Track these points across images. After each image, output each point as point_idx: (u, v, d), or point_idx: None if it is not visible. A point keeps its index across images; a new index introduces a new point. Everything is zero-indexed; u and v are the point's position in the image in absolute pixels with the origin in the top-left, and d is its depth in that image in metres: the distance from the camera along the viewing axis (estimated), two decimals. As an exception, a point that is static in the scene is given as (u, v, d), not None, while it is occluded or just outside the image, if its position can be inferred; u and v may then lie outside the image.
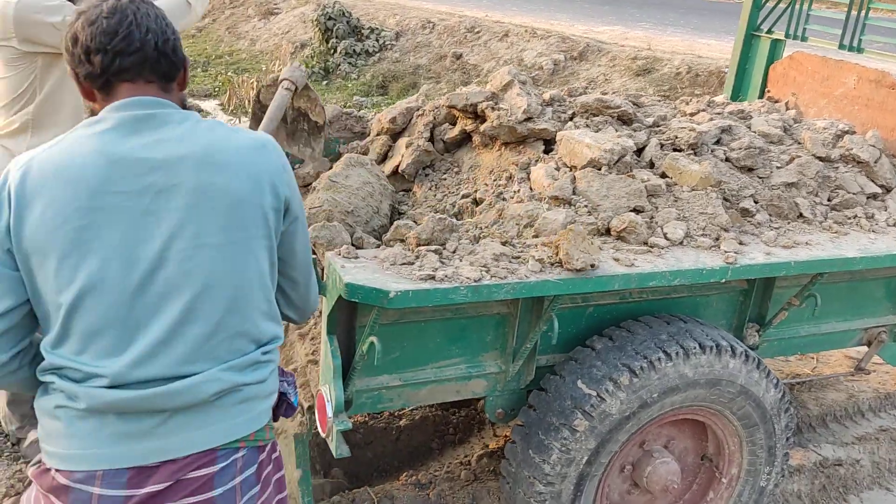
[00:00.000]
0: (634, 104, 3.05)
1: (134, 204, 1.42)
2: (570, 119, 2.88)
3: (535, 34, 11.14)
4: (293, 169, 1.98)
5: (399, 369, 2.24)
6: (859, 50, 3.92)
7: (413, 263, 2.05)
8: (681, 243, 2.36)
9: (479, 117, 2.86)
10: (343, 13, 12.28)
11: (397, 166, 2.96)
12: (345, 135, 3.31)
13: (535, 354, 2.42)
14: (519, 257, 2.14)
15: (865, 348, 3.21)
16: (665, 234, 2.38)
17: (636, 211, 2.44)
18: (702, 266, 2.25)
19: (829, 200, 2.83)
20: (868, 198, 2.90)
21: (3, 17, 2.59)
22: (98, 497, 1.42)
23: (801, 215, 2.70)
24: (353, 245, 2.24)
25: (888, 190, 2.97)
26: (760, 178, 2.76)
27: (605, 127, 2.79)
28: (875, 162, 2.96)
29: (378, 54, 12.13)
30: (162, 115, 1.48)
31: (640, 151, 2.72)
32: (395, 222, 2.32)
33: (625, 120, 2.88)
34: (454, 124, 3.00)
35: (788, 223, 2.65)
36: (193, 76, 11.43)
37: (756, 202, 2.66)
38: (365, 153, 3.16)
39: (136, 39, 1.45)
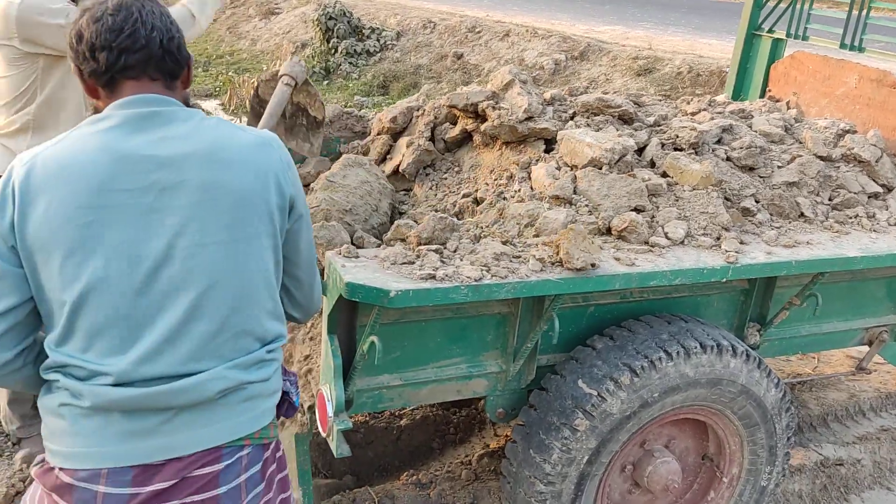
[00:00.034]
0: (635, 103, 3.05)
1: (139, 201, 1.41)
2: (571, 118, 2.88)
3: (537, 34, 11.13)
4: (294, 168, 1.98)
5: (400, 369, 2.24)
6: (860, 49, 3.91)
7: (414, 263, 2.05)
8: (682, 243, 2.36)
9: (479, 117, 2.86)
10: (344, 13, 12.28)
11: (398, 166, 2.96)
12: (345, 134, 3.30)
13: (535, 354, 2.42)
14: (520, 257, 2.14)
15: (866, 348, 3.21)
16: (666, 234, 2.37)
17: (637, 210, 2.43)
18: (703, 265, 2.25)
19: (830, 200, 2.82)
20: (869, 197, 2.90)
21: (5, 16, 2.60)
22: (103, 495, 1.41)
23: (802, 215, 2.70)
24: (353, 244, 2.24)
25: (889, 189, 2.97)
26: (761, 177, 2.75)
27: (606, 126, 2.79)
28: (876, 161, 2.95)
29: (379, 54, 12.13)
30: (167, 112, 1.48)
31: (640, 151, 2.72)
32: (396, 222, 2.32)
33: (626, 119, 2.88)
34: (455, 124, 3.00)
35: (789, 222, 2.65)
36: (194, 76, 11.44)
37: (757, 201, 2.66)
38: (365, 153, 3.15)
39: (141, 37, 1.45)
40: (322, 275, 2.06)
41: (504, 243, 2.22)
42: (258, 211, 1.50)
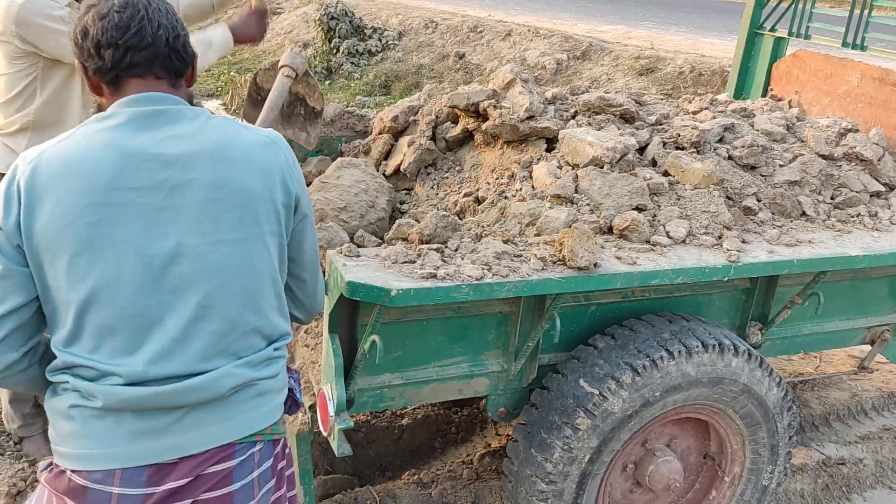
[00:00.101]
0: (637, 102, 3.05)
1: (148, 200, 1.41)
2: (573, 117, 2.87)
3: (538, 34, 11.13)
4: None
5: (401, 368, 2.24)
6: (863, 48, 3.90)
7: (415, 262, 2.05)
8: (683, 242, 2.36)
9: (481, 116, 2.86)
10: (346, 13, 12.28)
11: (399, 165, 2.96)
12: (347, 134, 3.30)
13: (537, 353, 2.42)
14: (521, 256, 2.14)
15: (868, 347, 3.20)
16: (667, 233, 2.37)
17: (638, 209, 2.43)
18: (704, 264, 2.24)
19: (832, 199, 2.82)
20: (871, 196, 2.89)
21: (6, 13, 2.58)
22: (118, 496, 1.41)
23: (803, 213, 2.69)
24: (354, 243, 2.24)
25: (891, 188, 2.97)
26: (763, 176, 2.75)
27: (608, 125, 2.79)
28: (878, 160, 2.95)
29: (381, 54, 12.13)
30: (174, 111, 1.48)
31: (642, 150, 2.72)
32: (397, 220, 2.32)
33: (627, 118, 2.88)
34: (456, 123, 3.00)
35: (791, 221, 2.65)
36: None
37: (759, 200, 2.66)
38: (367, 152, 3.16)
39: (147, 34, 1.44)
40: (323, 275, 2.06)
41: (505, 242, 2.22)
42: (265, 209, 1.50)
